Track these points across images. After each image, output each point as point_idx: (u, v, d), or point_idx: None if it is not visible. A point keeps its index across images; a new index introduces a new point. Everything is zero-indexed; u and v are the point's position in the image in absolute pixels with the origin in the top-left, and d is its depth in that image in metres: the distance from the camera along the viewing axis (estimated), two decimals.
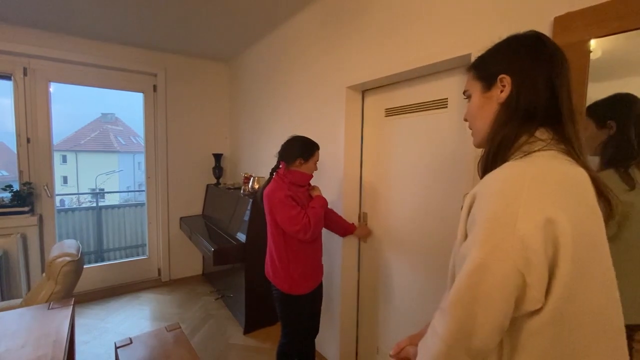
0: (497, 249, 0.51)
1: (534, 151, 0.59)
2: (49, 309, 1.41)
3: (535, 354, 0.53)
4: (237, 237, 2.52)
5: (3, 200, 2.60)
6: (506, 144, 0.62)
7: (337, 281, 1.99)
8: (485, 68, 0.69)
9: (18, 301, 1.77)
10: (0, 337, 1.18)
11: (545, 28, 1.02)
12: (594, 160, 0.98)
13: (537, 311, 0.52)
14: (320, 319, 1.76)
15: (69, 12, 2.30)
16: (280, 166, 1.62)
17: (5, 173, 13.97)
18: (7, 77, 2.62)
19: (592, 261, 0.53)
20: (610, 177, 0.92)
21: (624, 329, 0.56)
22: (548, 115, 0.61)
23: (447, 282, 0.65)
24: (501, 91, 0.65)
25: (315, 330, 1.74)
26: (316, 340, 1.75)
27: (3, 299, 2.38)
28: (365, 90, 1.91)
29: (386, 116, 1.78)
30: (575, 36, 0.95)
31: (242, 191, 2.82)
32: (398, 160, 1.72)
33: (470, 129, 0.74)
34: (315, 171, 1.66)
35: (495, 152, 0.63)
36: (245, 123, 3.29)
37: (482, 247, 0.52)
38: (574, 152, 0.60)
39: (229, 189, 3.12)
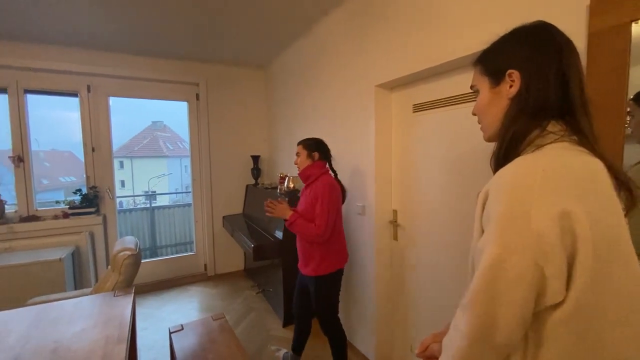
0: (512, 244, 0.51)
1: (546, 144, 0.57)
2: (114, 296, 1.62)
3: (561, 346, 0.52)
4: (275, 234, 2.64)
5: (74, 202, 2.98)
6: (517, 139, 0.61)
7: (370, 278, 2.02)
8: (492, 63, 0.67)
9: (88, 290, 2.03)
10: (78, 318, 1.39)
11: (580, 13, 0.98)
12: None
13: (559, 303, 0.51)
14: (353, 315, 1.78)
15: (123, 34, 2.59)
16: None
17: (73, 179, 15.68)
18: (74, 94, 3.00)
19: (612, 248, 0.51)
20: None
21: None
22: (560, 108, 0.60)
23: (467, 279, 0.66)
24: (510, 86, 0.63)
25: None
26: (352, 336, 1.77)
27: (76, 288, 2.73)
28: (392, 88, 1.91)
29: (414, 112, 1.78)
30: (612, 20, 0.90)
31: (278, 191, 2.94)
32: (427, 156, 1.71)
33: (480, 123, 0.73)
34: (295, 164, 1.88)
35: (507, 147, 0.62)
36: (280, 125, 3.42)
37: (498, 243, 0.52)
38: (587, 142, 0.58)
39: (267, 188, 3.26)
